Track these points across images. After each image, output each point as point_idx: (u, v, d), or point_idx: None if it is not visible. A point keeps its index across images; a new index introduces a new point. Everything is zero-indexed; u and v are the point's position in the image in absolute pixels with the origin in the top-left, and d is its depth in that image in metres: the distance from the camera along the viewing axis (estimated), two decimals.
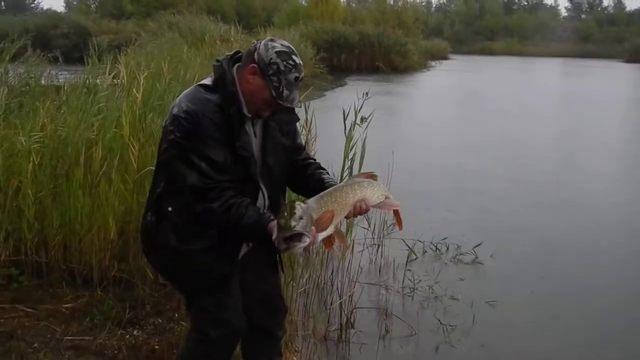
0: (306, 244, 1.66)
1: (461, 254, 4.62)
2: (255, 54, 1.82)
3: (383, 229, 4.34)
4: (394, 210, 2.00)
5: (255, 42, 1.86)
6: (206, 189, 1.78)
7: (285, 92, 1.80)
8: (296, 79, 1.82)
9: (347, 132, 3.49)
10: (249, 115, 1.88)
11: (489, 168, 7.88)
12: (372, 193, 1.87)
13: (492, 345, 3.43)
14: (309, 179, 2.08)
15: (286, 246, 1.68)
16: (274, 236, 1.71)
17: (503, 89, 18.92)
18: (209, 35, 13.78)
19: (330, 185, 1.96)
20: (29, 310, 2.84)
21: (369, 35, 22.25)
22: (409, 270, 4.22)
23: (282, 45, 1.83)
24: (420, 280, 4.09)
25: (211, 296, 1.95)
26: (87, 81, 4.09)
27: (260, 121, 1.95)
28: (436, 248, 4.67)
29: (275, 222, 1.74)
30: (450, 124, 11.79)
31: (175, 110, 1.82)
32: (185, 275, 1.96)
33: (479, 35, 44.24)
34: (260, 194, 1.95)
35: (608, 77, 23.76)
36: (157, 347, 2.60)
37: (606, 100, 15.81)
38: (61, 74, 5.64)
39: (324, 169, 2.14)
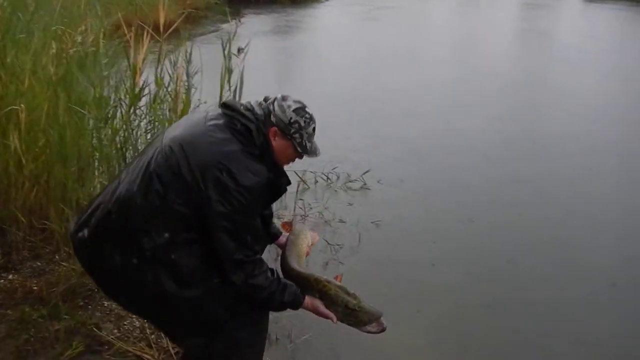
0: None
1: (350, 182, 4.85)
2: (272, 116, 1.80)
3: None
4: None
5: (265, 102, 1.85)
6: (247, 262, 1.73)
7: (309, 145, 1.84)
8: (314, 129, 1.86)
9: (228, 63, 3.44)
10: None
11: (379, 93, 8.13)
12: (311, 236, 2.17)
13: (376, 259, 3.73)
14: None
15: (380, 328, 1.85)
16: (339, 319, 1.83)
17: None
18: None
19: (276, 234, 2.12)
20: None
21: None
22: (300, 199, 4.38)
23: (294, 101, 1.84)
24: (311, 208, 4.29)
25: (219, 338, 1.85)
26: None
27: None
28: (327, 177, 4.86)
29: (307, 297, 1.84)
30: (348, 51, 11.83)
31: (223, 178, 1.68)
32: (182, 319, 1.83)
33: None
34: None
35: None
36: (35, 287, 2.53)
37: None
38: None
39: None
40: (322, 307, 1.84)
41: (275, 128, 1.79)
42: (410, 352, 2.90)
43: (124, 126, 3.13)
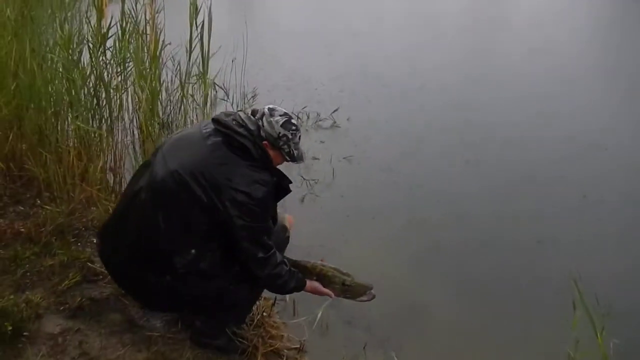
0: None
1: (320, 120, 4.95)
2: (262, 131, 1.97)
3: (244, 101, 4.46)
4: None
5: (254, 117, 2.01)
6: (267, 257, 1.98)
7: (296, 152, 2.05)
8: (300, 137, 2.07)
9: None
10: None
11: (342, 31, 8.13)
12: (287, 219, 2.42)
13: (350, 191, 3.90)
14: None
15: (371, 297, 2.19)
16: (337, 295, 2.17)
17: None
18: None
19: None
20: None
21: None
22: None
23: (280, 115, 2.01)
24: None
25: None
26: None
27: None
28: (297, 117, 4.93)
29: (307, 281, 2.13)
30: None
31: (239, 197, 1.88)
32: (210, 304, 2.08)
33: None
34: None
35: None
36: (22, 229, 2.57)
37: None
38: None
39: None
40: (320, 287, 2.16)
41: (266, 142, 1.98)
42: (369, 264, 3.07)
43: (94, 69, 3.10)
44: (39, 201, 2.94)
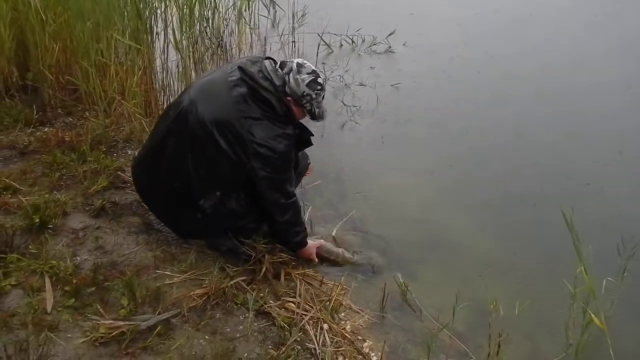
0: None
1: (375, 44, 4.75)
2: (287, 87, 2.06)
3: (294, 22, 4.36)
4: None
5: (281, 70, 2.09)
6: (289, 204, 2.15)
7: (317, 111, 2.14)
8: (323, 97, 2.14)
9: None
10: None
11: None
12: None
13: (392, 120, 3.77)
14: None
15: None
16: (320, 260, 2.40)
17: None
18: None
19: None
20: None
21: None
22: (323, 63, 4.37)
23: (308, 73, 2.07)
24: (332, 72, 4.27)
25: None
26: None
27: None
28: (352, 40, 4.77)
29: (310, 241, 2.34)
30: None
31: (262, 150, 2.00)
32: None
33: None
34: None
35: None
36: (67, 138, 2.79)
37: None
38: None
39: None
40: (313, 255, 2.35)
41: (290, 98, 2.07)
42: (399, 191, 3.06)
43: None
44: (87, 114, 3.15)
